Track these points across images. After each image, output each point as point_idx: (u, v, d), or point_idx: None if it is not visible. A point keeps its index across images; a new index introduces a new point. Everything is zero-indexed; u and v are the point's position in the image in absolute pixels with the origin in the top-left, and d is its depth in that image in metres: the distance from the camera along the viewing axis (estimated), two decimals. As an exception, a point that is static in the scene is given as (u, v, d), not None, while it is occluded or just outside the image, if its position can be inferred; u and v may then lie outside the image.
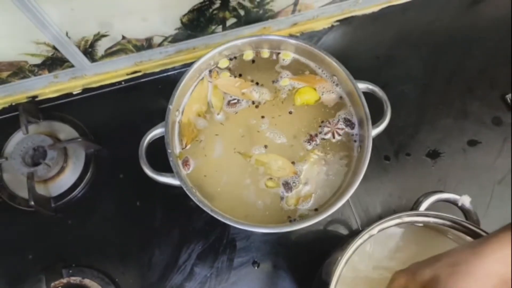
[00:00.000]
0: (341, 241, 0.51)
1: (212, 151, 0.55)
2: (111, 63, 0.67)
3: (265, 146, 0.55)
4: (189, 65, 0.56)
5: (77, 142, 0.60)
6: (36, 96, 0.67)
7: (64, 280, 0.56)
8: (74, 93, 0.68)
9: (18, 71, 0.61)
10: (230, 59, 0.60)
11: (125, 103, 0.68)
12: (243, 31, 0.71)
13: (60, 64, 0.63)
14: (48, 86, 0.67)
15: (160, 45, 0.67)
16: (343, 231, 0.61)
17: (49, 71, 0.64)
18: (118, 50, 0.64)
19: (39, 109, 0.65)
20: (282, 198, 0.53)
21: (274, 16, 0.70)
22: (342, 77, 0.56)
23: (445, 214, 0.47)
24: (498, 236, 0.37)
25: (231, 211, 0.50)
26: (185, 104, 0.57)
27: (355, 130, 0.56)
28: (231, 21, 0.67)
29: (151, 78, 0.69)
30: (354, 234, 0.47)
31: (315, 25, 0.75)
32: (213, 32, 0.68)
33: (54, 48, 0.59)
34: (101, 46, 0.62)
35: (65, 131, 0.64)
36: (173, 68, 0.70)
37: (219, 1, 0.61)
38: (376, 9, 0.77)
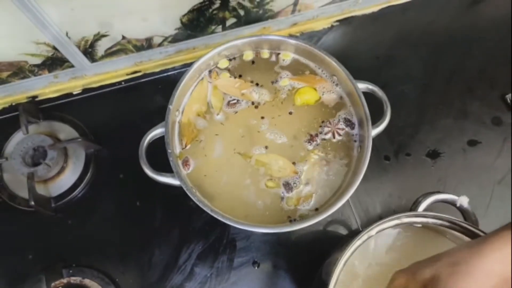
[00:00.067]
0: (341, 241, 0.51)
1: (212, 151, 0.55)
2: (111, 63, 0.67)
3: (266, 147, 0.55)
4: (189, 65, 0.56)
5: (77, 142, 0.60)
6: (36, 96, 0.67)
7: (64, 280, 0.56)
8: (74, 93, 0.68)
9: (18, 71, 0.61)
10: (230, 60, 0.60)
11: (125, 103, 0.68)
12: (243, 31, 0.71)
13: (60, 64, 0.63)
14: (48, 86, 0.67)
15: (160, 45, 0.67)
16: (343, 231, 0.61)
17: (49, 71, 0.64)
18: (118, 50, 0.64)
19: (39, 109, 0.65)
20: (282, 199, 0.53)
21: (274, 16, 0.70)
22: (342, 77, 0.56)
23: (443, 215, 0.47)
24: (498, 236, 0.37)
25: (231, 211, 0.51)
26: (185, 104, 0.57)
27: (355, 130, 0.56)
28: (231, 21, 0.67)
29: (151, 78, 0.69)
30: (354, 234, 0.47)
31: (315, 25, 0.75)
32: (213, 32, 0.68)
33: (54, 48, 0.59)
34: (101, 46, 0.62)
35: (65, 131, 0.64)
36: (173, 68, 0.70)
37: (219, 1, 0.61)
38: (376, 9, 0.77)
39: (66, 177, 0.61)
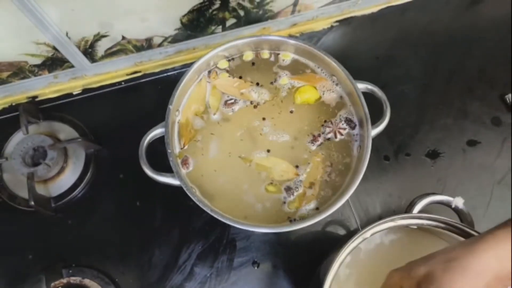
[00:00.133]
0: (340, 242, 0.51)
1: (209, 150, 0.55)
2: (111, 63, 0.67)
3: (268, 151, 0.55)
4: (189, 65, 0.56)
5: (77, 142, 0.60)
6: (36, 96, 0.67)
7: (64, 280, 0.56)
8: (74, 93, 0.68)
9: (18, 71, 0.61)
10: (229, 60, 0.60)
11: (125, 103, 0.68)
12: (243, 32, 0.71)
13: (60, 65, 0.63)
14: (48, 86, 0.67)
15: (160, 45, 0.67)
16: (343, 231, 0.61)
17: (49, 72, 0.64)
18: (118, 50, 0.64)
19: (39, 109, 0.65)
20: (284, 203, 0.53)
21: (273, 16, 0.70)
22: (341, 77, 0.56)
23: (438, 216, 0.47)
24: (493, 234, 0.37)
25: (231, 211, 0.51)
26: (184, 104, 0.57)
27: (356, 130, 0.56)
28: (230, 21, 0.67)
29: (151, 78, 0.69)
30: (353, 234, 0.47)
31: (314, 26, 0.75)
32: (212, 32, 0.68)
33: (54, 48, 0.59)
34: (101, 47, 0.62)
35: (65, 131, 0.64)
36: (173, 69, 0.70)
37: (219, 2, 0.61)
38: (375, 9, 0.77)
39: (66, 177, 0.61)
